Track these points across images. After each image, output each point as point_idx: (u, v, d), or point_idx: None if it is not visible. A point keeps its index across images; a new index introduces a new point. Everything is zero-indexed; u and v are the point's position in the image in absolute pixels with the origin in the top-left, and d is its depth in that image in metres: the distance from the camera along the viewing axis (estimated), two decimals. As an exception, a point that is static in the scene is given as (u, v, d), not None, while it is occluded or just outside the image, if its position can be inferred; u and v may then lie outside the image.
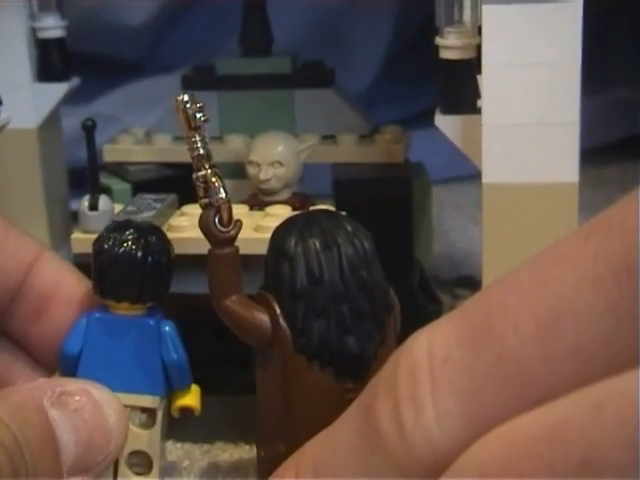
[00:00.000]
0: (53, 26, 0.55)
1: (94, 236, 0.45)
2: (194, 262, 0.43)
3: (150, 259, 0.41)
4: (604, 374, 0.23)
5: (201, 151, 0.37)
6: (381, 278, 0.37)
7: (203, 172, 0.37)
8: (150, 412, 0.43)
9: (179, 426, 0.45)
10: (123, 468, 0.43)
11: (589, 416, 0.22)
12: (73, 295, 0.44)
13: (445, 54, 0.46)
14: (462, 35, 0.45)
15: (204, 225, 0.37)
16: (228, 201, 0.37)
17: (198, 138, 0.37)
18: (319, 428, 0.31)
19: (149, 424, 0.43)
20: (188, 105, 0.36)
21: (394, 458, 0.27)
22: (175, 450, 0.47)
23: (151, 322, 0.42)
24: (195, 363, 0.48)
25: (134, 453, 0.43)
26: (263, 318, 0.36)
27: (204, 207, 0.37)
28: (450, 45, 0.45)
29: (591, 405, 0.23)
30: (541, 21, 0.42)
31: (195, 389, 0.43)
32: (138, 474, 0.43)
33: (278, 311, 0.36)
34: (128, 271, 0.41)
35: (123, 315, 0.42)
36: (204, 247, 0.38)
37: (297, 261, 0.36)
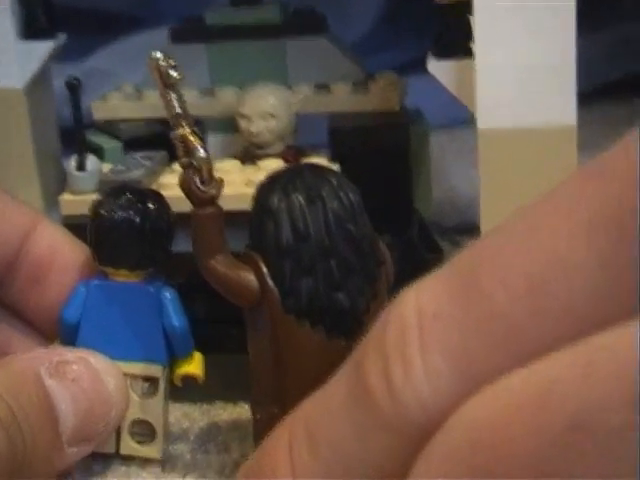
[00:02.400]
0: (37, -19, 0.54)
1: (83, 197, 0.44)
2: (185, 220, 0.42)
3: (148, 224, 0.40)
4: (595, 332, 0.23)
5: (178, 110, 0.36)
6: (370, 231, 0.36)
7: (181, 131, 0.36)
8: (152, 381, 0.42)
9: (178, 387, 0.44)
10: (126, 437, 0.42)
11: (578, 375, 0.22)
12: (71, 262, 0.44)
13: (439, -3, 0.44)
14: (454, -24, 0.44)
15: (185, 185, 0.36)
16: (208, 159, 0.36)
17: (174, 96, 0.36)
18: (312, 388, 0.31)
19: (151, 393, 0.43)
20: (162, 63, 0.35)
21: (384, 417, 0.27)
22: (174, 411, 0.46)
23: (151, 289, 0.41)
24: (192, 322, 0.47)
25: (137, 422, 0.42)
26: (250, 278, 0.35)
27: (184, 167, 0.36)
28: (442, -13, 0.44)
29: (580, 363, 0.22)
30: (533, -41, 0.40)
31: (198, 356, 0.43)
32: (140, 443, 0.43)
33: (265, 270, 0.35)
34: (126, 237, 0.40)
35: (122, 282, 0.41)
36: (194, 205, 0.37)
37: (281, 217, 0.35)
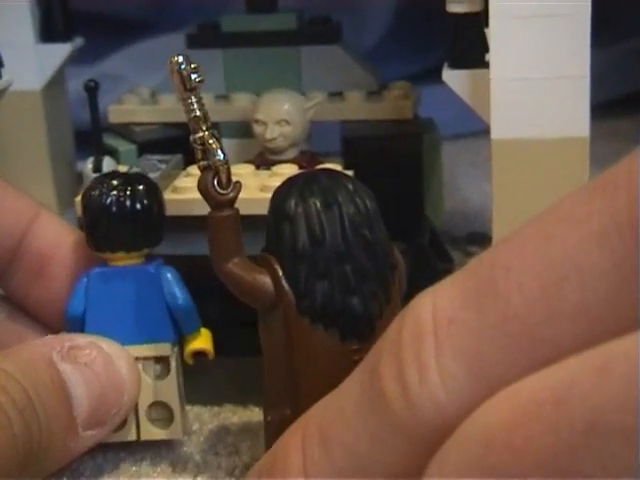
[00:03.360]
0: (56, -15, 0.55)
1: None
2: (200, 223, 0.42)
3: (139, 205, 0.41)
4: (610, 334, 0.23)
5: (197, 113, 0.36)
6: (384, 237, 0.36)
7: (200, 134, 0.36)
8: (164, 362, 0.43)
9: (188, 389, 0.45)
10: (144, 422, 0.43)
11: (594, 378, 0.22)
12: (73, 253, 0.44)
13: (452, 7, 0.45)
14: (469, -13, 0.44)
15: (203, 188, 0.37)
16: (226, 163, 0.36)
17: (194, 99, 0.36)
18: (325, 391, 0.31)
19: (164, 374, 0.43)
20: (183, 66, 0.36)
21: (399, 421, 0.27)
22: (184, 413, 0.46)
23: (151, 270, 0.42)
24: (204, 325, 0.47)
25: (154, 406, 0.43)
26: (265, 280, 0.36)
27: (203, 169, 0.37)
28: (457, -2, 0.44)
29: (596, 367, 0.22)
30: (549, -28, 0.41)
31: (205, 332, 0.43)
32: (160, 427, 0.43)
33: (280, 273, 0.35)
34: (118, 219, 0.41)
35: (122, 266, 0.42)
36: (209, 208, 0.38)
37: (298, 222, 0.35)
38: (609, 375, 0.22)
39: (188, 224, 0.46)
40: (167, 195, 0.46)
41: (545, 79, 0.42)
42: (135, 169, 0.48)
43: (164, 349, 0.42)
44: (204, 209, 0.38)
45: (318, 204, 0.35)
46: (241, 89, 0.55)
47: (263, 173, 0.48)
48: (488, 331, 0.26)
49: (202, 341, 0.43)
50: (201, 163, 0.37)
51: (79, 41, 0.56)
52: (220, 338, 0.47)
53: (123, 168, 0.48)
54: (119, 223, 0.41)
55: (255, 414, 0.46)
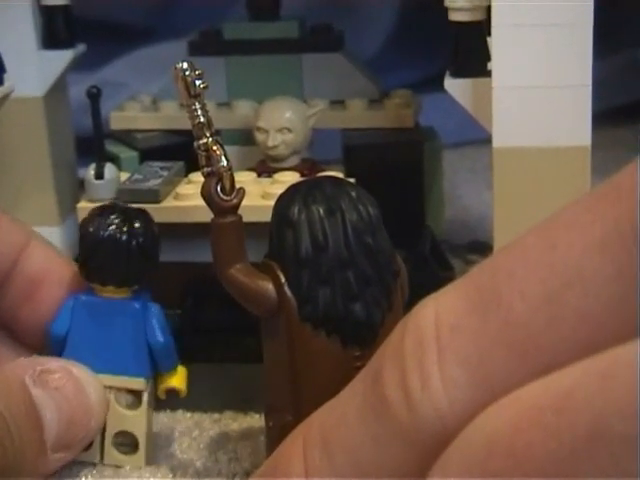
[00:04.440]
0: (58, -8, 0.55)
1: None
2: (201, 230, 0.42)
3: (134, 243, 0.42)
4: (612, 341, 0.23)
5: (202, 119, 0.36)
6: (387, 244, 0.36)
7: (204, 140, 0.36)
8: (136, 393, 0.43)
9: (189, 396, 0.45)
10: (110, 448, 0.43)
11: (596, 385, 0.22)
12: (62, 278, 0.45)
13: (455, 16, 0.45)
14: (472, -3, 0.44)
15: (206, 194, 0.37)
16: (230, 169, 0.36)
17: (198, 106, 0.36)
18: (326, 397, 0.31)
19: (135, 405, 0.43)
20: (187, 73, 0.36)
21: (401, 427, 0.27)
22: (185, 420, 0.46)
23: (137, 305, 0.43)
24: (205, 331, 0.48)
25: (120, 433, 0.43)
26: (268, 287, 0.36)
27: (206, 176, 0.37)
28: (459, 7, 0.44)
29: (598, 374, 0.22)
30: (552, -19, 0.41)
31: (181, 370, 0.44)
32: (124, 453, 0.43)
33: (283, 279, 0.36)
34: (112, 255, 0.42)
35: (109, 298, 0.43)
36: (211, 215, 0.38)
37: (301, 228, 0.35)
38: (612, 382, 0.22)
39: (189, 231, 0.46)
40: (169, 202, 0.47)
41: (547, 88, 0.42)
42: (137, 176, 0.48)
43: (138, 383, 0.43)
44: (206, 216, 0.38)
45: (321, 211, 0.35)
46: (243, 96, 0.55)
47: (264, 180, 0.48)
48: (490, 338, 0.26)
49: (177, 379, 0.44)
50: (205, 169, 0.37)
51: (81, 47, 0.56)
52: (221, 345, 0.48)
53: (124, 175, 0.48)
54: (113, 259, 0.42)
55: (255, 421, 0.46)
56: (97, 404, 0.42)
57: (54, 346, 0.43)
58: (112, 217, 0.42)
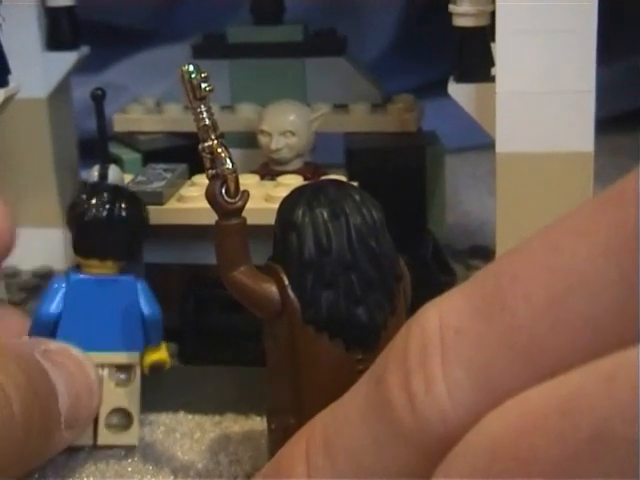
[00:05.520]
0: (63, -6, 0.55)
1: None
2: (205, 232, 0.42)
3: (117, 212, 0.43)
4: (615, 345, 0.23)
5: (207, 121, 0.36)
6: (390, 247, 0.36)
7: (209, 143, 0.36)
8: (127, 369, 0.44)
9: (190, 398, 0.45)
10: (102, 428, 0.44)
11: (599, 389, 0.22)
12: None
13: (459, 22, 0.45)
14: (476, 2, 0.44)
15: (211, 196, 0.37)
16: (235, 171, 0.36)
17: (203, 108, 0.36)
18: (329, 400, 0.31)
19: (127, 381, 0.44)
20: (193, 75, 0.36)
21: (405, 429, 0.27)
22: (186, 422, 0.46)
23: (129, 280, 0.44)
24: (207, 334, 0.48)
25: (113, 412, 0.44)
26: (271, 289, 0.36)
27: (211, 178, 0.37)
28: (464, 12, 0.45)
29: (602, 378, 0.22)
30: (556, -13, 0.41)
31: (164, 344, 0.45)
32: (116, 432, 0.44)
33: (286, 282, 0.36)
34: (95, 224, 0.43)
35: (100, 276, 0.44)
36: (215, 217, 0.38)
37: (305, 231, 0.35)
38: (614, 385, 0.22)
39: (193, 233, 0.46)
40: (172, 204, 0.47)
41: (550, 94, 0.42)
42: (140, 178, 0.48)
43: (133, 358, 0.44)
44: (209, 218, 0.38)
45: (325, 214, 0.36)
46: (246, 100, 0.55)
47: (268, 183, 0.48)
48: (494, 341, 0.26)
49: (161, 353, 0.45)
50: (209, 172, 0.37)
51: (85, 50, 0.57)
52: (222, 347, 0.48)
53: (128, 177, 0.49)
54: (95, 228, 0.43)
55: (257, 423, 0.46)
56: (96, 384, 0.43)
57: (44, 329, 0.44)
58: (99, 190, 0.44)
